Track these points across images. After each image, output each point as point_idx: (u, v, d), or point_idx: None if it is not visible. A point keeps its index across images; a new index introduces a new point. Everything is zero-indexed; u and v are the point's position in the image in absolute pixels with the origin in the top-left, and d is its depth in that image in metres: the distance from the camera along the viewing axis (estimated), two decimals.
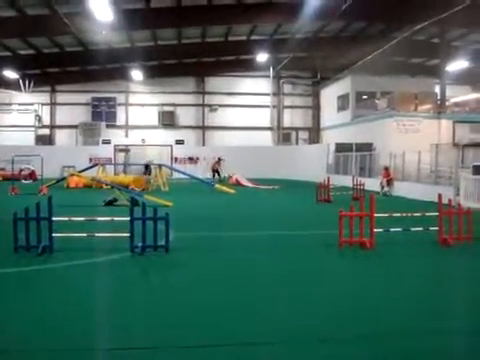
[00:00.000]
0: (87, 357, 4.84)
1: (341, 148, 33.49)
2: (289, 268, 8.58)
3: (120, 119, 44.36)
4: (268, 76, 42.44)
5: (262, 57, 36.70)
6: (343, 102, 37.87)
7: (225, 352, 4.92)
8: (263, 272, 8.25)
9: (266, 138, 44.08)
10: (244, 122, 43.83)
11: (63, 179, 27.49)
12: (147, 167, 25.70)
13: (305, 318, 5.96)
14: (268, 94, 43.20)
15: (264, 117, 43.83)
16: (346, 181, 27.60)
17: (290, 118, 45.19)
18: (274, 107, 43.82)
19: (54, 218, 9.52)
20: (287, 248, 10.32)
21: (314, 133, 44.84)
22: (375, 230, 10.26)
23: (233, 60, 40.53)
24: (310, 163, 36.14)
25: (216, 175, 33.72)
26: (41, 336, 5.36)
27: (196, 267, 8.59)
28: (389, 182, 24.02)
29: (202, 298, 6.73)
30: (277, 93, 44.21)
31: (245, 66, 41.22)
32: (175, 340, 5.19)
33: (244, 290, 7.14)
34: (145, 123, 43.75)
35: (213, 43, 35.80)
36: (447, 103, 32.27)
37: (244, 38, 35.10)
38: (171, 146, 40.94)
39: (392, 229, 10.75)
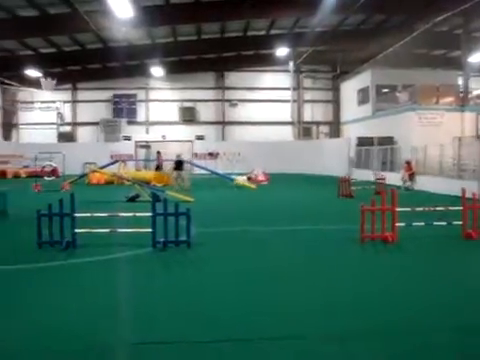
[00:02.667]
0: (109, 351, 4.88)
1: (362, 142, 33.29)
2: (310, 263, 8.56)
3: (141, 115, 44.61)
4: (288, 70, 42.20)
5: (282, 51, 36.52)
6: (363, 95, 37.55)
7: (249, 347, 4.91)
8: (285, 267, 8.24)
9: (286, 133, 43.93)
10: (264, 117, 43.77)
11: (85, 175, 27.72)
12: (179, 163, 25.59)
13: (328, 313, 5.95)
14: (288, 88, 42.96)
15: (284, 112, 43.63)
16: (367, 175, 27.41)
17: (310, 112, 44.93)
18: (294, 101, 43.58)
19: (77, 214, 9.63)
20: (309, 243, 10.28)
21: (335, 127, 44.56)
22: (397, 224, 10.19)
23: (252, 55, 40.43)
24: (331, 157, 35.99)
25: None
26: (64, 330, 5.42)
27: (218, 262, 8.61)
28: (411, 176, 23.75)
29: (224, 293, 6.75)
30: (297, 87, 43.97)
31: (265, 61, 41.11)
32: (197, 335, 5.21)
33: (266, 285, 7.13)
34: (165, 119, 43.93)
35: (232, 38, 35.71)
36: (470, 96, 31.79)
37: (263, 33, 34.96)
38: (191, 142, 41.05)
39: (415, 223, 10.65)
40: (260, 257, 8.95)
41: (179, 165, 25.14)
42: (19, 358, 4.78)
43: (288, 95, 43.00)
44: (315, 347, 4.90)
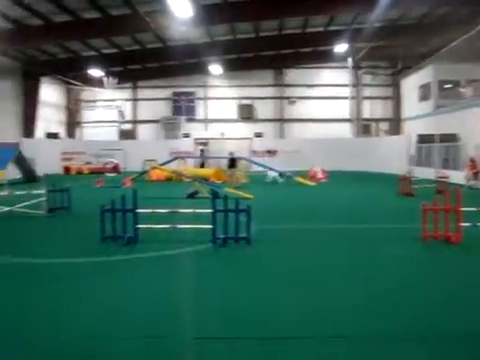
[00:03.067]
0: (167, 344, 4.97)
1: (423, 139, 32.48)
2: (369, 262, 8.40)
3: (199, 113, 45.09)
4: (347, 67, 41.67)
5: (340, 48, 36.03)
6: (425, 91, 36.63)
7: (300, 345, 4.90)
8: (346, 265, 8.15)
9: (345, 130, 43.35)
10: (323, 114, 43.41)
11: (145, 172, 28.24)
12: (233, 160, 25.82)
13: (387, 314, 5.86)
14: (347, 85, 42.43)
15: (343, 109, 43.13)
16: (429, 173, 26.76)
17: (370, 109, 44.18)
18: (353, 98, 42.99)
19: (139, 210, 9.83)
20: (369, 241, 10.12)
21: (395, 124, 43.64)
22: (461, 224, 9.90)
23: (311, 52, 40.10)
24: (391, 155, 35.30)
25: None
26: (125, 322, 5.58)
27: (277, 259, 8.60)
28: (475, 175, 23.01)
29: (282, 290, 6.74)
30: (356, 84, 43.34)
31: (323, 57, 40.72)
32: (254, 331, 5.23)
33: (326, 284, 7.07)
34: (224, 117, 44.22)
35: (291, 35, 35.48)
36: None
37: (322, 29, 34.60)
38: (250, 139, 41.14)
39: None
40: (318, 255, 8.88)
41: (232, 163, 25.35)
42: (84, 342, 4.98)
43: (347, 92, 42.46)
44: (369, 348, 4.84)
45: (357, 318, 5.66)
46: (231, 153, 26.04)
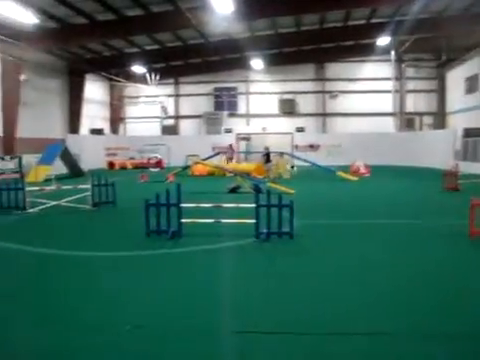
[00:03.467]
0: (210, 337, 5.01)
1: (470, 133, 31.73)
2: (416, 259, 8.24)
3: (241, 108, 45.20)
4: (389, 60, 40.98)
5: (383, 40, 35.40)
6: (472, 84, 35.77)
7: (347, 341, 4.86)
8: (390, 261, 8.03)
9: (388, 124, 42.69)
10: (365, 108, 42.89)
11: (188, 167, 28.48)
12: (268, 155, 25.97)
13: (429, 312, 5.78)
14: (389, 79, 41.75)
15: (386, 102, 42.48)
16: (476, 168, 26.15)
17: (413, 103, 43.32)
18: (396, 92, 42.23)
19: (183, 204, 9.92)
20: (413, 237, 9.95)
21: (439, 118, 42.72)
22: None
23: (353, 45, 39.59)
24: (435, 149, 34.57)
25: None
26: (169, 315, 5.66)
27: (320, 254, 8.56)
28: None
29: (324, 286, 6.71)
30: (399, 77, 42.55)
31: (365, 51, 40.18)
32: (295, 327, 5.22)
33: (370, 280, 6.99)
34: (266, 111, 44.22)
35: (332, 29, 35.12)
36: None
37: (364, 22, 34.12)
38: (292, 134, 40.99)
39: None
40: (362, 251, 8.77)
41: (267, 157, 25.48)
42: (130, 332, 5.07)
43: (389, 85, 41.80)
44: (417, 346, 4.78)
45: (402, 315, 5.59)
46: (266, 148, 26.08)
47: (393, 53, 40.03)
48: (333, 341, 4.85)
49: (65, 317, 5.64)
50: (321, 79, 44.15)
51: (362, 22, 34.04)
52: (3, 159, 27.56)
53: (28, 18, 24.41)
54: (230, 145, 33.67)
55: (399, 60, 41.94)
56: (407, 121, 42.64)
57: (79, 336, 5.05)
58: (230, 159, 31.28)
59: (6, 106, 29.96)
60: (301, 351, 4.64)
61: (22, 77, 30.50)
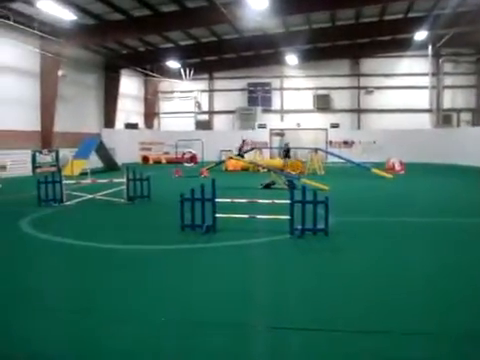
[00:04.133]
0: (243, 332, 5.02)
1: None
2: (454, 257, 8.09)
3: (275, 103, 45.06)
4: (426, 55, 40.24)
5: (420, 35, 34.74)
6: None
7: (379, 340, 4.79)
8: (425, 260, 7.90)
9: (424, 120, 41.96)
10: (401, 104, 42.18)
11: (222, 162, 28.56)
12: (287, 151, 26.08)
13: (465, 311, 5.68)
14: (426, 74, 41.02)
15: (422, 98, 41.71)
16: None
17: (450, 99, 42.46)
18: (433, 88, 41.46)
19: (217, 199, 9.96)
20: (451, 236, 9.80)
21: (478, 114, 41.83)
22: None
23: (389, 40, 38.98)
24: (473, 147, 33.87)
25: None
26: (203, 309, 5.69)
27: (355, 252, 8.47)
28: None
29: (362, 283, 6.66)
30: (436, 72, 41.80)
31: (402, 46, 39.46)
32: (328, 323, 5.19)
33: (404, 279, 6.87)
34: (300, 107, 43.98)
35: (368, 23, 34.63)
36: None
37: (401, 16, 33.55)
38: (326, 130, 40.70)
39: None
40: (396, 249, 8.65)
41: (287, 153, 25.50)
42: (165, 326, 5.13)
43: (426, 81, 41.06)
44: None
45: (438, 315, 5.50)
46: (286, 144, 26.08)
47: (430, 48, 39.27)
48: (366, 339, 4.80)
49: (103, 309, 5.74)
50: (356, 75, 43.65)
51: (399, 16, 33.44)
52: (41, 153, 28.10)
53: (67, 15, 24.89)
54: (243, 140, 33.71)
55: (436, 55, 41.12)
56: (444, 117, 41.85)
57: (114, 327, 5.14)
58: (241, 155, 31.55)
59: (44, 101, 30.57)
60: (333, 349, 4.61)
61: (60, 73, 31.03)
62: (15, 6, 24.87)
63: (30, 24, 26.55)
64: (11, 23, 24.87)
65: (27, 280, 6.90)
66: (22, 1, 23.80)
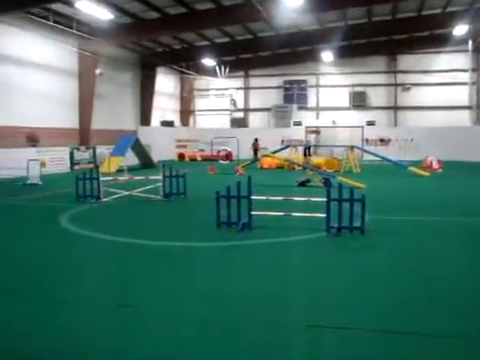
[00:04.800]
0: (278, 330, 5.01)
1: None
2: None
3: (311, 101, 44.81)
4: (466, 50, 39.40)
5: (459, 30, 33.97)
6: None
7: (419, 341, 4.72)
8: (463, 261, 7.74)
9: (464, 118, 41.06)
10: (439, 101, 41.35)
11: (257, 160, 28.54)
12: (308, 148, 26.13)
13: None
14: (466, 70, 40.18)
15: (461, 95, 40.89)
16: None
17: None
18: (473, 84, 40.61)
19: (253, 197, 9.97)
20: None
21: None
22: None
23: (427, 36, 38.29)
24: None
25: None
26: (239, 306, 5.72)
27: (393, 251, 8.37)
28: None
29: (399, 282, 6.58)
30: (476, 68, 40.92)
31: (440, 41, 38.69)
32: (365, 322, 5.16)
33: (442, 279, 6.78)
34: (335, 104, 43.63)
35: (405, 19, 34.08)
36: None
37: (439, 11, 32.88)
38: (362, 127, 40.26)
39: None
40: (434, 249, 8.53)
41: (308, 151, 25.46)
42: (200, 323, 5.18)
43: (466, 77, 40.22)
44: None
45: (475, 317, 5.41)
46: (308, 141, 25.99)
47: (470, 43, 38.42)
48: (400, 340, 4.74)
49: (140, 304, 5.81)
50: (393, 71, 43.03)
51: (437, 11, 32.79)
52: (79, 150, 28.58)
53: (104, 15, 25.25)
54: (256, 139, 33.78)
55: (477, 50, 40.19)
56: None
57: (151, 324, 5.20)
58: (256, 152, 31.74)
59: (82, 99, 31.09)
60: (367, 348, 4.58)
61: (97, 71, 31.49)
62: (55, 7, 25.33)
63: (69, 24, 27.03)
64: (51, 23, 25.34)
65: (70, 275, 7.06)
66: (61, 2, 24.22)
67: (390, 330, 4.94)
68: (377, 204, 12.78)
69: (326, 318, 5.30)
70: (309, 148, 26.33)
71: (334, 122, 40.50)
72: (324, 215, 9.52)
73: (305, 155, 25.77)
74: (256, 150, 34.27)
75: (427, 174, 23.14)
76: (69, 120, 30.41)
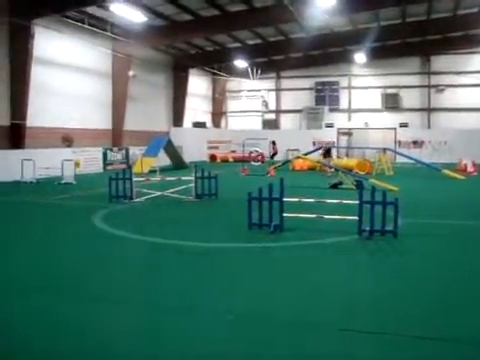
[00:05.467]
0: (310, 333, 5.01)
1: None
2: None
3: (343, 102, 44.55)
4: None
5: None
6: None
7: (442, 346, 4.68)
8: None
9: None
10: (474, 103, 40.46)
11: (288, 161, 28.51)
12: (328, 150, 26.00)
13: None
14: None
15: None
16: None
17: None
18: None
19: (285, 199, 9.97)
20: None
21: None
22: None
23: (462, 36, 37.54)
24: None
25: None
26: (271, 308, 5.74)
27: (426, 255, 8.28)
28: None
29: (430, 287, 6.51)
30: None
31: (475, 41, 37.98)
32: (398, 327, 5.10)
33: (475, 283, 6.70)
34: (368, 106, 43.26)
35: (440, 19, 33.55)
36: None
37: (475, 10, 32.19)
38: (395, 129, 39.80)
39: None
40: (470, 255, 8.37)
41: (327, 152, 25.29)
42: (234, 323, 5.23)
43: None
44: None
45: None
46: (328, 143, 25.85)
47: None
48: (430, 346, 4.69)
49: (170, 304, 5.90)
50: (427, 72, 42.47)
51: (474, 10, 32.17)
52: (112, 150, 28.96)
53: (138, 17, 25.55)
54: (273, 141, 33.50)
55: None
56: None
57: (184, 323, 5.26)
58: (272, 156, 31.50)
59: (116, 101, 31.58)
60: (397, 354, 4.55)
61: (130, 73, 31.90)
62: (90, 10, 25.77)
63: (103, 27, 27.48)
64: (86, 27, 25.77)
65: (111, 275, 7.22)
66: (96, 5, 24.63)
67: (424, 336, 4.88)
68: (410, 207, 12.63)
69: (358, 322, 5.28)
70: (329, 150, 26.23)
71: (366, 124, 40.16)
72: (356, 218, 9.47)
73: (325, 156, 25.61)
74: (274, 154, 33.56)
75: (461, 177, 22.77)
76: (102, 121, 30.91)
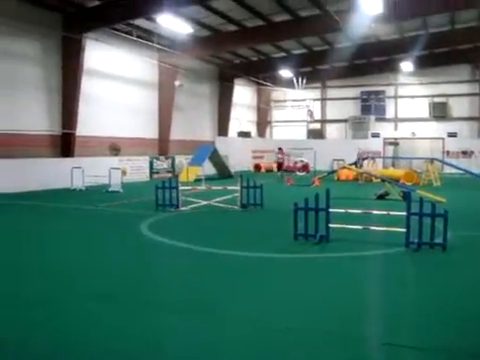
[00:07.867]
0: (354, 345, 4.95)
1: None
2: None
3: (389, 112, 43.97)
4: None
5: None
6: None
7: None
8: None
9: None
10: None
11: (334, 172, 28.31)
12: (359, 160, 25.64)
13: None
14: None
15: None
16: None
17: None
18: None
19: (331, 209, 9.91)
20: None
21: None
22: None
23: None
24: None
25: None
26: (315, 320, 5.70)
27: (477, 268, 8.09)
28: None
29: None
30: None
31: None
32: (446, 343, 4.97)
33: None
34: (415, 115, 42.56)
35: None
36: None
37: None
38: (443, 139, 38.97)
39: None
40: None
41: (358, 161, 25.07)
42: (279, 332, 5.23)
43: None
44: None
45: None
46: (359, 154, 25.69)
47: None
48: None
49: (210, 310, 5.97)
50: (477, 80, 41.51)
51: None
52: (158, 159, 29.37)
53: (184, 28, 25.96)
54: (280, 148, 32.89)
55: None
56: None
57: (233, 330, 5.29)
58: (280, 165, 30.72)
59: (162, 110, 32.09)
60: None
61: (176, 83, 32.33)
62: (137, 22, 26.27)
63: (150, 38, 27.96)
64: (134, 38, 26.29)
65: (154, 282, 7.34)
66: (144, 17, 25.11)
67: (471, 353, 4.75)
68: (459, 219, 12.32)
69: (404, 337, 5.17)
70: (362, 160, 25.91)
71: (413, 134, 39.46)
72: (403, 230, 9.32)
73: (356, 166, 25.25)
74: (280, 164, 31.04)
75: None
76: (149, 130, 31.42)
